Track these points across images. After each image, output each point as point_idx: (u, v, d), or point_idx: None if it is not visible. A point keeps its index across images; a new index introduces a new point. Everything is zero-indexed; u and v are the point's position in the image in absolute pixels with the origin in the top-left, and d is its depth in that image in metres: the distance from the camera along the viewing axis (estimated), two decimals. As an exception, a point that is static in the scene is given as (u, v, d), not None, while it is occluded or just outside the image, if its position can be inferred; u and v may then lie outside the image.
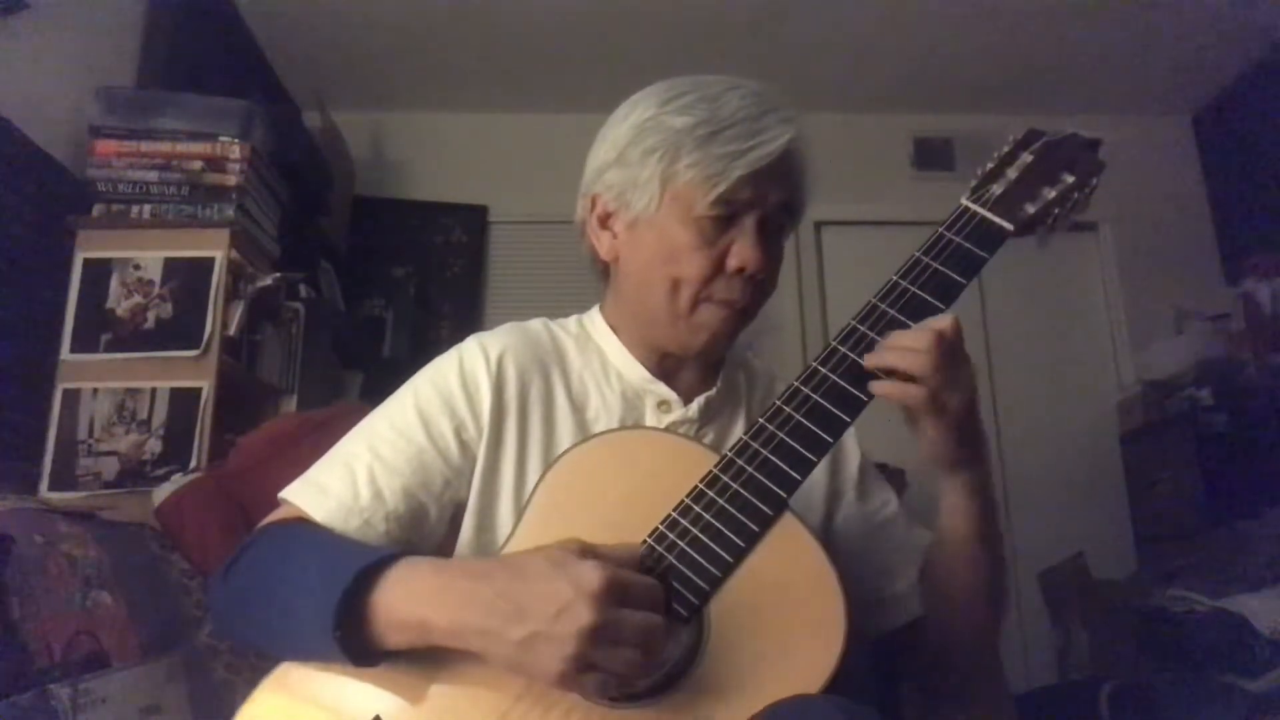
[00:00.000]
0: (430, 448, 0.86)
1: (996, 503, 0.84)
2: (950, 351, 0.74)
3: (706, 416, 0.93)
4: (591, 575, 0.64)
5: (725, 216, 0.85)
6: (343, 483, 0.83)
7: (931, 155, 3.14)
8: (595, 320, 0.99)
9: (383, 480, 0.83)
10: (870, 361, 0.76)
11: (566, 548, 0.68)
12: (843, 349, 0.78)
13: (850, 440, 0.99)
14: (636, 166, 0.87)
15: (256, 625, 0.79)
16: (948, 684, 0.96)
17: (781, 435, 0.76)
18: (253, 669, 0.78)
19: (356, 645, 0.69)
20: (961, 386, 0.75)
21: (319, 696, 0.73)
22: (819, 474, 0.94)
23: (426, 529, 0.86)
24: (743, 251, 0.84)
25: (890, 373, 0.75)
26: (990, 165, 0.85)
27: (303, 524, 0.82)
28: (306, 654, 0.74)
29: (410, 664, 0.72)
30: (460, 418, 0.88)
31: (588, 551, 0.68)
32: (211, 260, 1.77)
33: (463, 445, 0.87)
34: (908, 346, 0.74)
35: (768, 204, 0.86)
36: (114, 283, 1.75)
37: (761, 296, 0.90)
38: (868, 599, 0.93)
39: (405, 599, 0.69)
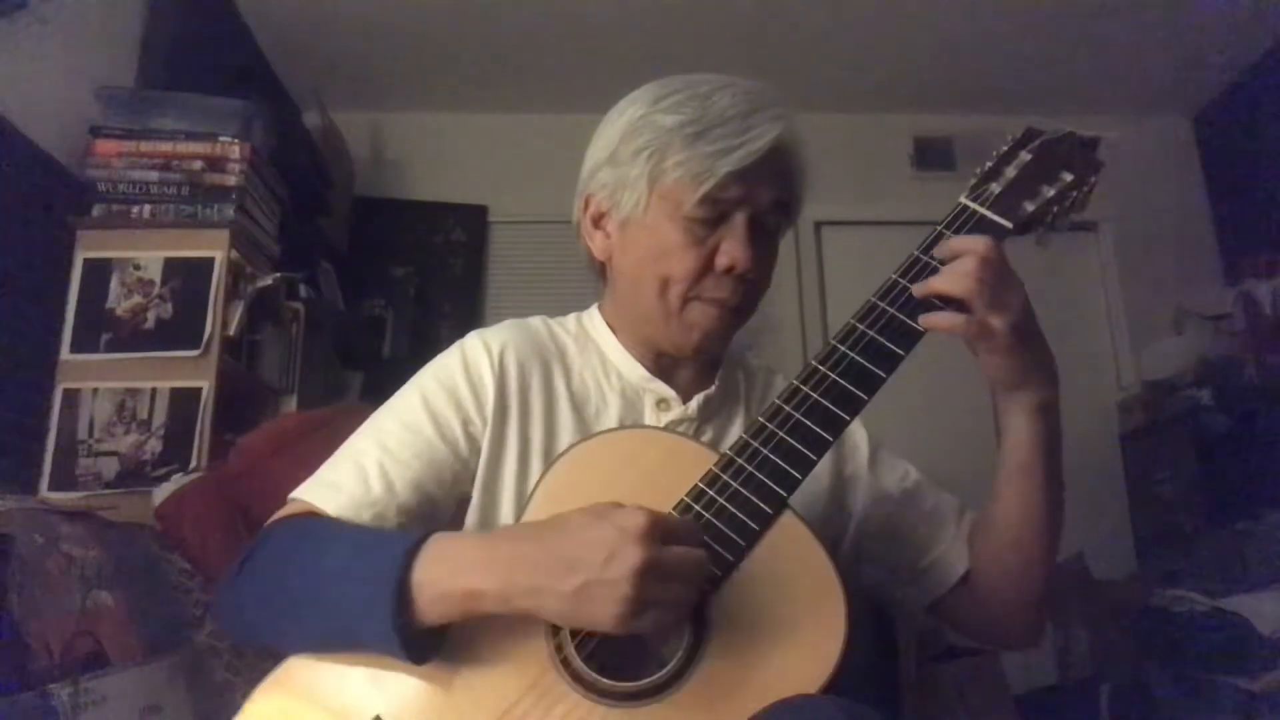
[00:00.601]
0: (439, 442, 0.86)
1: (1059, 428, 0.82)
2: (992, 274, 0.74)
3: (705, 415, 0.93)
4: (634, 518, 0.64)
5: (714, 215, 0.85)
6: (353, 478, 0.83)
7: (931, 155, 3.13)
8: (594, 319, 0.99)
9: (394, 473, 0.83)
10: (919, 290, 0.77)
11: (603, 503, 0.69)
12: (842, 348, 0.78)
13: (856, 426, 0.98)
14: (627, 165, 0.87)
15: (282, 621, 0.77)
16: (996, 641, 0.96)
17: (781, 434, 0.76)
18: (252, 669, 0.78)
19: (407, 630, 0.68)
20: (1006, 308, 0.75)
21: (320, 696, 0.73)
22: (823, 466, 0.94)
23: (436, 523, 0.86)
24: (731, 250, 0.84)
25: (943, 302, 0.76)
26: (989, 164, 0.85)
27: (318, 516, 0.81)
28: (352, 642, 0.72)
29: (415, 666, 0.71)
30: (466, 411, 0.88)
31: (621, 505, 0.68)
32: (211, 260, 1.76)
33: (469, 439, 0.88)
34: (951, 271, 0.75)
35: (758, 202, 0.85)
36: (114, 283, 1.75)
37: (754, 295, 0.90)
38: (909, 573, 0.94)
39: (451, 572, 0.69)
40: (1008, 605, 0.90)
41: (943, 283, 0.76)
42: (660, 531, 0.65)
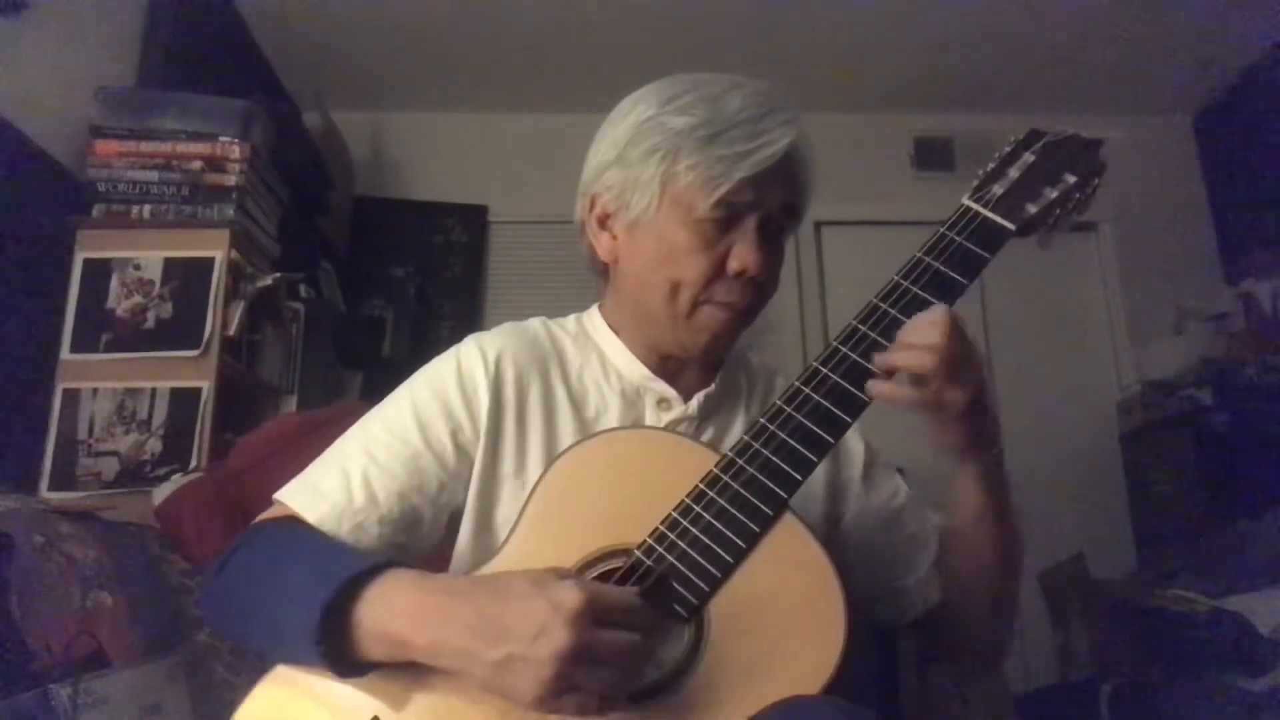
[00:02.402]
0: (426, 451, 0.86)
1: (1007, 486, 0.84)
2: (955, 348, 0.73)
3: (705, 414, 0.93)
4: (569, 595, 0.63)
5: (725, 219, 0.84)
6: (337, 485, 0.83)
7: (931, 155, 3.14)
8: (594, 319, 0.98)
9: (377, 484, 0.83)
10: (879, 362, 0.76)
11: (549, 570, 0.68)
12: (844, 349, 0.78)
13: (854, 435, 0.98)
14: (636, 167, 0.86)
15: (244, 627, 0.79)
16: (969, 660, 0.98)
17: (782, 435, 0.76)
18: (253, 669, 0.77)
19: (339, 655, 0.69)
20: (965, 381, 0.74)
21: (319, 693, 0.73)
22: (821, 473, 0.94)
23: (421, 533, 0.86)
24: (743, 254, 0.84)
25: (895, 372, 0.75)
26: (992, 165, 0.85)
27: (295, 525, 0.81)
28: (292, 660, 0.74)
29: (411, 665, 0.71)
30: (457, 421, 0.87)
31: (567, 575, 0.67)
32: (211, 260, 1.77)
33: (459, 449, 0.87)
34: (911, 344, 0.74)
35: (769, 206, 0.85)
36: (114, 283, 1.75)
37: (762, 298, 0.90)
38: (884, 590, 0.94)
39: (386, 614, 0.69)
40: (974, 632, 0.93)
41: (902, 358, 0.74)
42: (596, 612, 0.63)
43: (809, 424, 0.76)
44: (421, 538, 0.86)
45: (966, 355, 0.74)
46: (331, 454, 0.87)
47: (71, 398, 1.68)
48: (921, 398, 0.74)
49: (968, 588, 0.89)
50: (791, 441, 0.75)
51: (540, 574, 0.67)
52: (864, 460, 0.98)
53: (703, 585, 0.71)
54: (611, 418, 0.91)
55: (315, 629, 0.67)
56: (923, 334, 0.74)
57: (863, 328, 0.78)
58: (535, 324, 0.98)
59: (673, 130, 0.84)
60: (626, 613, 0.66)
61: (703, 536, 0.73)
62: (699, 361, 0.93)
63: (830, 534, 0.95)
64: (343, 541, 0.80)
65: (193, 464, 1.64)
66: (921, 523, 0.96)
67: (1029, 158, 0.84)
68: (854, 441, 0.99)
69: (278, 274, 1.96)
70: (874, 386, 0.75)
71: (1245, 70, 2.92)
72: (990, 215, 0.81)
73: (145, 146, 1.81)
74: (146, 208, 1.79)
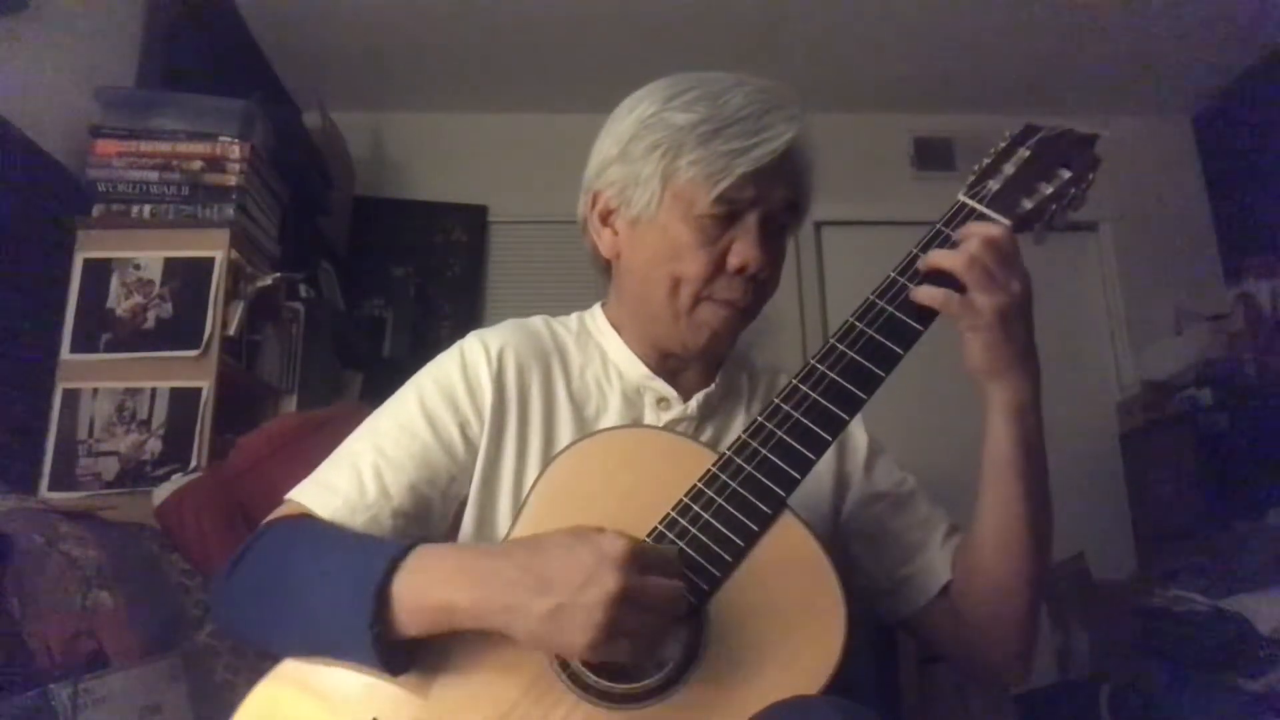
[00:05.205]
0: (435, 444, 0.86)
1: (1038, 432, 0.80)
2: (993, 256, 0.74)
3: (705, 414, 0.93)
4: (614, 543, 0.64)
5: (727, 215, 0.84)
6: (349, 480, 0.83)
7: (931, 155, 3.13)
8: (597, 318, 0.99)
9: (389, 477, 0.83)
10: (921, 264, 0.77)
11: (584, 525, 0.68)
12: (841, 346, 0.78)
13: (858, 429, 0.98)
14: (638, 163, 0.86)
15: (268, 622, 0.78)
16: (983, 652, 0.88)
17: (780, 434, 0.76)
18: (252, 669, 0.77)
19: (384, 639, 0.68)
20: (999, 291, 0.74)
21: (320, 691, 0.73)
22: (826, 467, 0.94)
23: (431, 525, 0.86)
24: (744, 250, 0.84)
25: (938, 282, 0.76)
26: (987, 161, 0.85)
27: (310, 519, 0.82)
28: (333, 650, 0.73)
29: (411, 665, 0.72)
30: (464, 413, 0.88)
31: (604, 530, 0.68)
32: (211, 260, 1.76)
33: (467, 441, 0.87)
34: (954, 248, 0.75)
35: (770, 202, 0.85)
36: (114, 283, 1.75)
37: (763, 296, 0.90)
38: (891, 581, 0.92)
39: (427, 583, 0.69)
40: (990, 623, 0.85)
41: (940, 257, 0.76)
42: (640, 559, 0.64)
43: (807, 421, 0.76)
44: (431, 531, 0.86)
45: (1005, 265, 0.75)
46: (341, 452, 0.87)
47: (71, 398, 1.68)
48: (949, 298, 0.74)
49: (989, 556, 0.82)
50: (789, 439, 0.75)
51: (577, 528, 0.68)
52: (866, 452, 0.98)
53: (702, 585, 0.71)
54: (611, 417, 0.91)
55: (369, 613, 0.67)
56: (965, 242, 0.76)
57: (859, 324, 0.78)
58: (538, 321, 0.98)
59: (675, 126, 0.84)
60: (665, 561, 0.68)
61: (701, 536, 0.73)
62: (700, 360, 0.93)
63: (832, 530, 0.95)
64: (360, 531, 0.80)
65: (193, 464, 1.64)
66: (930, 511, 0.95)
67: (1024, 153, 0.84)
68: (858, 436, 0.98)
69: (278, 274, 1.95)
70: (916, 291, 0.76)
71: (1245, 70, 2.92)
72: (985, 211, 0.81)
73: (145, 146, 1.81)
74: (146, 208, 1.79)
